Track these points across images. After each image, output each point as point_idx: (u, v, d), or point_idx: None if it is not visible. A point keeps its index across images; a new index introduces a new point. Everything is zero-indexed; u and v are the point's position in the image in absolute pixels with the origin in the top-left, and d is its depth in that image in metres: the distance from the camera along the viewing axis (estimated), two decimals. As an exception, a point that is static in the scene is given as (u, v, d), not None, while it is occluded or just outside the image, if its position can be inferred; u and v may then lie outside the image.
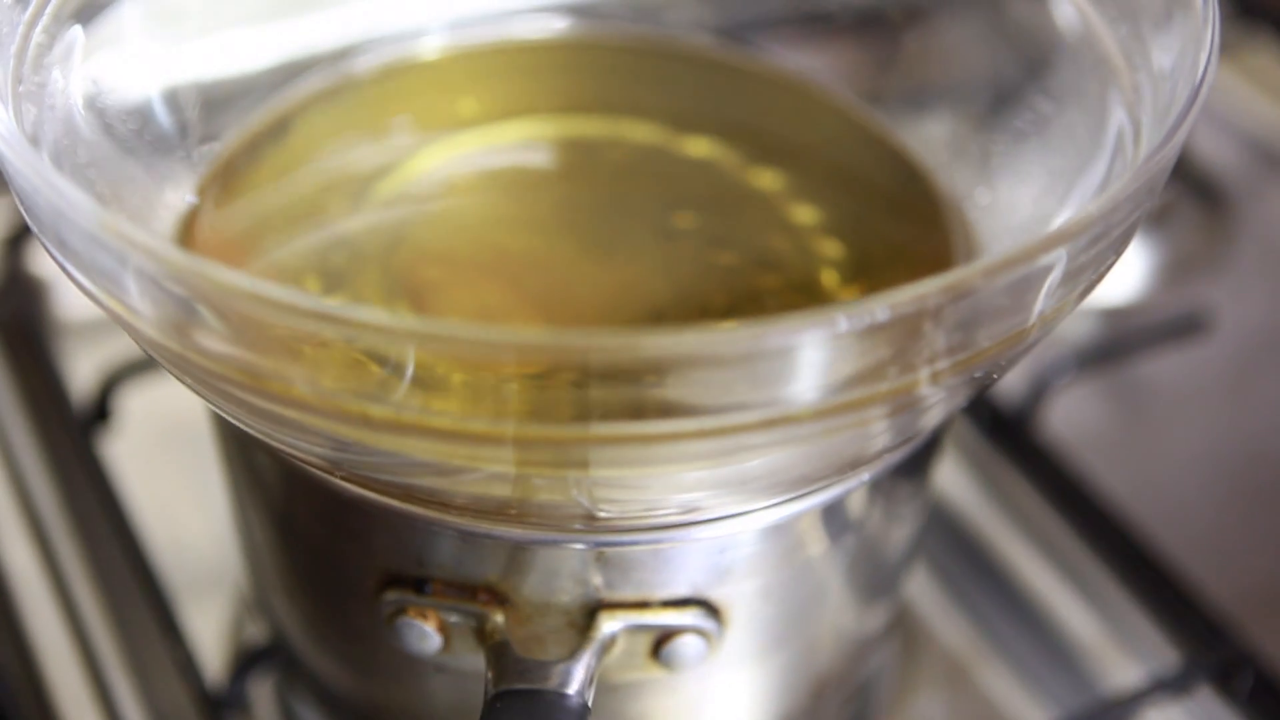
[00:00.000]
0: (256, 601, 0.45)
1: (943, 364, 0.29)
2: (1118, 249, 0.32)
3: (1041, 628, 0.51)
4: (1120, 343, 0.58)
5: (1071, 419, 0.57)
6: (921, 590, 0.51)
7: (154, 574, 0.47)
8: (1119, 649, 0.50)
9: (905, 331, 0.28)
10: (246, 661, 0.45)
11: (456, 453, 0.29)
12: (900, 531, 0.41)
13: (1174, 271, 0.64)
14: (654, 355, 0.27)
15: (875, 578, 0.42)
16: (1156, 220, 0.65)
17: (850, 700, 0.46)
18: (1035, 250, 0.29)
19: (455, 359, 0.27)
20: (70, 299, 0.58)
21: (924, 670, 0.49)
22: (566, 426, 0.28)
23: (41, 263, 0.58)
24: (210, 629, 0.48)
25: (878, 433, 0.32)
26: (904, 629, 0.50)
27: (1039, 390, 0.54)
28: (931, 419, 0.33)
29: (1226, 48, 0.69)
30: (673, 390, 0.27)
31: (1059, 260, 0.29)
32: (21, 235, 0.59)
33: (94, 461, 0.51)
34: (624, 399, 0.28)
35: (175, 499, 0.52)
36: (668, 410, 0.28)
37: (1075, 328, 0.61)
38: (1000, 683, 0.49)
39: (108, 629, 0.48)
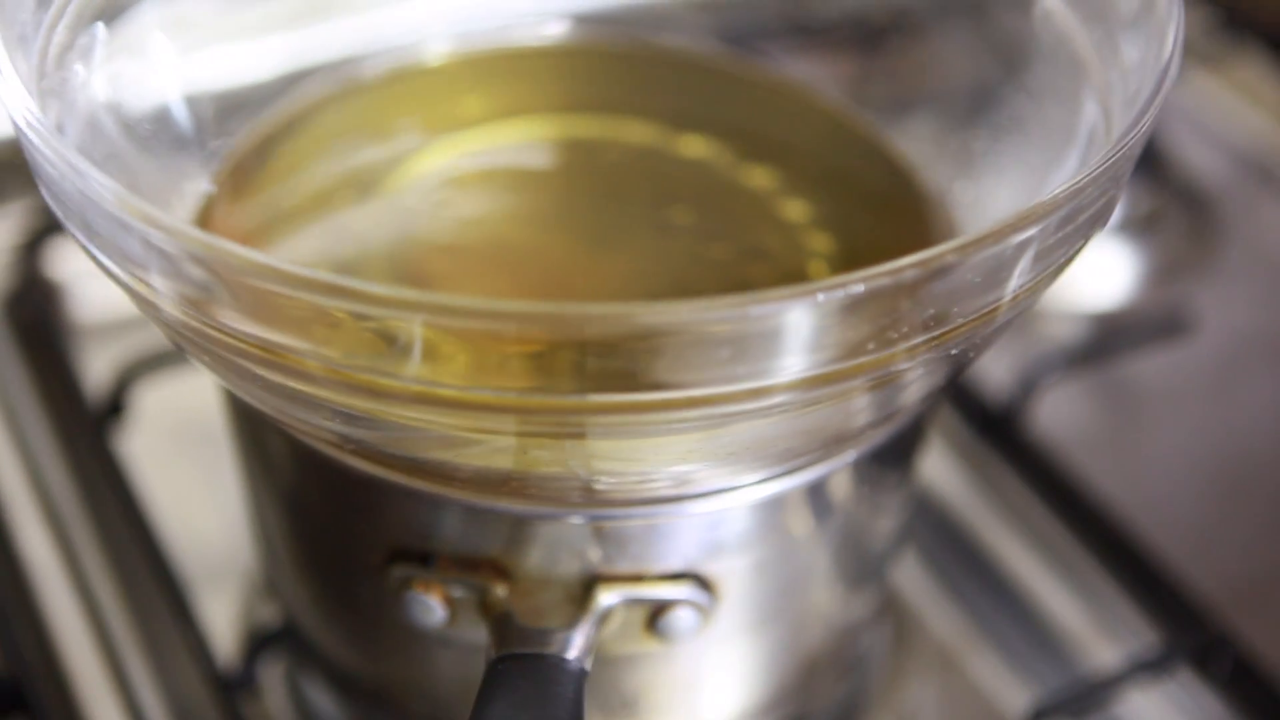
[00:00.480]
0: (268, 582, 0.47)
1: (918, 339, 0.31)
2: (1087, 232, 0.33)
3: (1029, 615, 0.52)
4: (1106, 343, 0.60)
5: (1060, 418, 0.58)
6: (913, 580, 0.53)
7: (168, 562, 0.49)
8: (1103, 635, 0.51)
9: (881, 306, 0.30)
10: (257, 644, 0.47)
11: (461, 424, 0.31)
12: (886, 518, 0.43)
13: (1161, 277, 0.66)
14: (646, 325, 0.28)
15: (863, 561, 0.43)
16: (1144, 227, 0.66)
17: (842, 680, 0.48)
18: (1006, 229, 0.30)
19: (459, 331, 0.29)
20: (85, 300, 0.60)
21: (915, 657, 0.51)
22: (564, 397, 0.30)
23: (57, 266, 0.60)
24: (222, 615, 0.50)
25: (859, 408, 0.33)
26: (895, 617, 0.52)
27: (1027, 388, 0.56)
28: (910, 396, 0.35)
29: (1213, 60, 0.71)
30: (663, 361, 0.29)
31: (1029, 239, 0.31)
32: (37, 240, 0.60)
33: (108, 454, 0.52)
34: (618, 369, 0.29)
35: (188, 491, 0.54)
36: (659, 381, 0.30)
37: (1064, 329, 0.63)
38: (989, 668, 0.51)
39: (123, 615, 0.49)
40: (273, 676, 0.48)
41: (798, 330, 0.29)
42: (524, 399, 0.30)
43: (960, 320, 0.31)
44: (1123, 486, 0.55)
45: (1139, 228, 0.66)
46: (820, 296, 0.29)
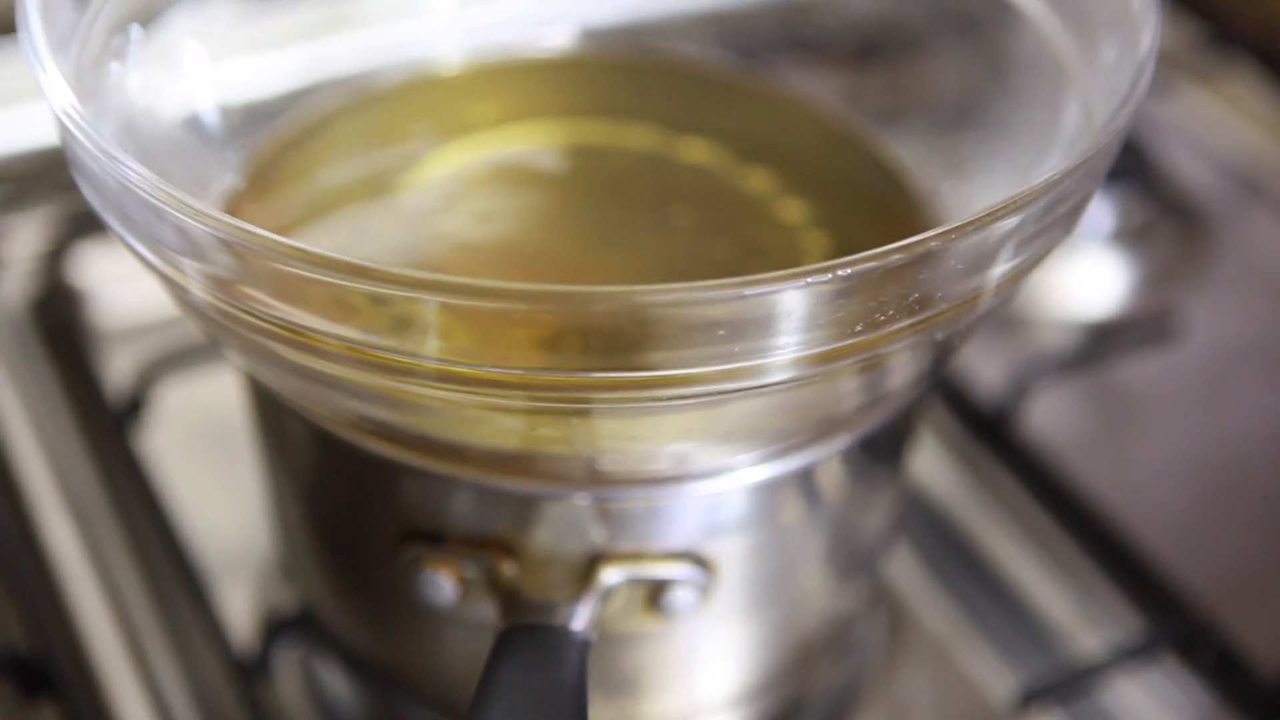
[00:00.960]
0: (285, 568, 0.49)
1: (904, 323, 0.33)
2: (1066, 224, 0.35)
3: (1020, 608, 0.54)
4: (1097, 348, 0.61)
5: (1054, 423, 0.60)
6: (907, 574, 0.55)
7: (186, 553, 0.51)
8: (1091, 626, 0.53)
9: (868, 290, 0.31)
10: (273, 630, 0.49)
11: (473, 400, 0.33)
12: (877, 507, 0.45)
13: (1152, 287, 0.67)
14: (647, 303, 0.30)
15: (855, 548, 0.45)
16: (1136, 238, 0.68)
17: (837, 664, 0.50)
18: (987, 218, 0.32)
19: (475, 312, 0.31)
20: (106, 306, 0.62)
21: (909, 648, 0.53)
22: (570, 373, 0.32)
23: (80, 273, 0.62)
24: (239, 603, 0.52)
25: (849, 389, 0.35)
26: (890, 609, 0.53)
27: (1019, 390, 0.58)
28: (898, 381, 0.37)
29: (1204, 75, 0.73)
30: (663, 340, 0.31)
31: (1010, 228, 0.33)
32: (61, 248, 0.62)
33: (129, 450, 0.54)
34: (621, 348, 0.31)
35: (205, 486, 0.56)
36: (659, 360, 0.31)
37: (1058, 338, 0.64)
38: (981, 660, 0.52)
39: (145, 602, 0.51)
40: (288, 661, 0.50)
41: (789, 312, 0.31)
42: (532, 375, 0.32)
43: (944, 306, 0.33)
44: (1114, 488, 0.57)
45: (1131, 238, 0.68)
46: (810, 279, 0.31)
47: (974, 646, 0.53)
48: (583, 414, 0.33)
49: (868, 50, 0.51)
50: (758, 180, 0.46)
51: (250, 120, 0.46)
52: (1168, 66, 0.73)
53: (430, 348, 0.32)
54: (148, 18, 0.42)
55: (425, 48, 0.50)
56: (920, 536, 0.56)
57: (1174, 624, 0.51)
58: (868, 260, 0.31)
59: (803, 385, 0.33)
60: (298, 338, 0.32)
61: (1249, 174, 0.71)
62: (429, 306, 0.31)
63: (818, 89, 0.50)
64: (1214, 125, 0.72)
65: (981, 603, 0.54)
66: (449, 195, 0.46)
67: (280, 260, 0.31)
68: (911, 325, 0.33)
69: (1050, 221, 0.34)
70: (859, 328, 0.32)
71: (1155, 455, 0.62)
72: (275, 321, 0.32)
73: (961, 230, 0.32)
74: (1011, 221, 0.33)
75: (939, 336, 0.35)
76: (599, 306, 0.30)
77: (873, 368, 0.35)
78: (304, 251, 0.30)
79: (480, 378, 0.32)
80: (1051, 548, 0.55)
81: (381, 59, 0.50)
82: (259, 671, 0.49)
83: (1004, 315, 0.64)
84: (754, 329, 0.31)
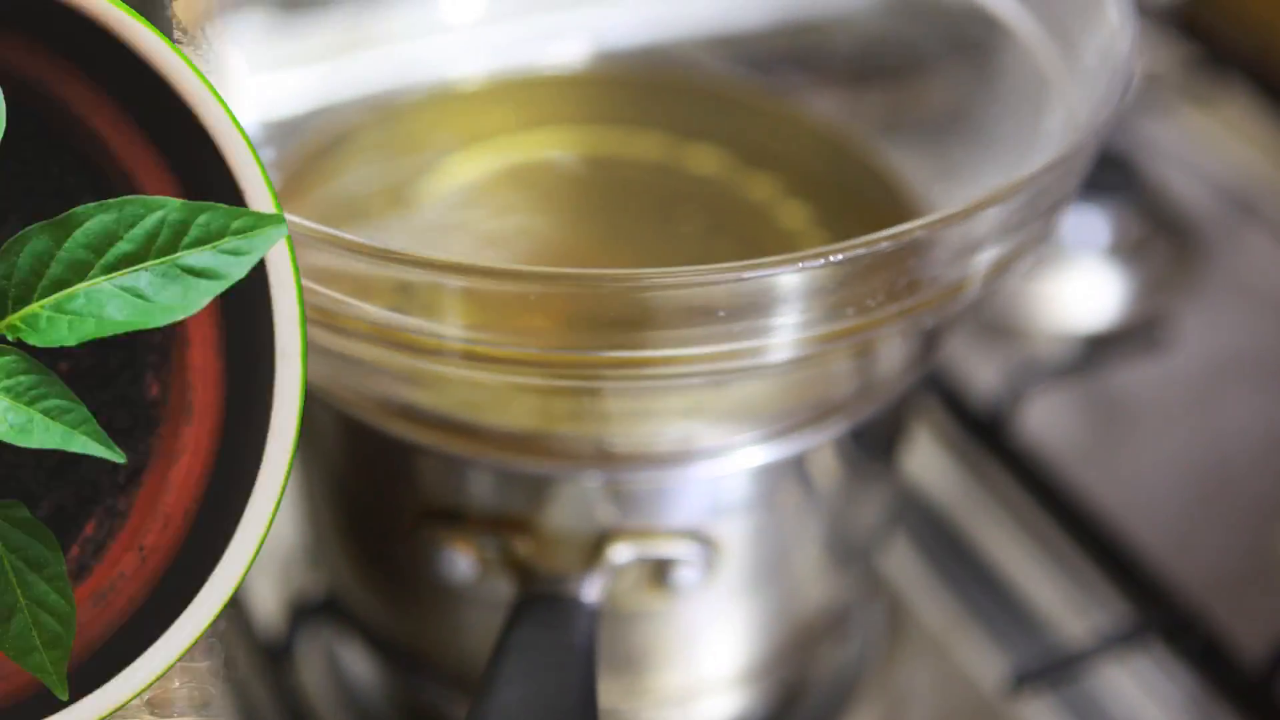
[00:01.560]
0: (311, 554, 0.51)
1: (894, 308, 0.35)
2: (1047, 220, 0.37)
3: (1016, 602, 0.56)
4: (1089, 355, 0.64)
5: (1051, 428, 0.62)
6: (905, 569, 0.57)
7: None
8: (1085, 619, 0.55)
9: (859, 275, 0.34)
10: (298, 616, 0.51)
11: (493, 378, 0.35)
12: (872, 495, 0.47)
13: (1146, 300, 0.69)
14: (654, 284, 0.32)
15: (850, 537, 0.47)
16: (1132, 253, 0.70)
17: (836, 649, 0.52)
18: (970, 210, 0.34)
19: (496, 294, 0.33)
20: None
21: (908, 640, 0.54)
22: (583, 353, 0.34)
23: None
24: (265, 593, 0.54)
25: (844, 372, 0.38)
26: (889, 602, 0.55)
27: (1014, 394, 0.60)
28: (890, 368, 0.39)
29: (1197, 96, 0.75)
30: (669, 321, 0.33)
31: (992, 219, 0.35)
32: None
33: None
34: (629, 326, 0.33)
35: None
36: (665, 341, 0.34)
37: (1055, 349, 0.66)
38: (976, 650, 0.54)
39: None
40: (312, 646, 0.52)
41: (784, 295, 0.34)
42: (548, 354, 0.34)
43: (931, 293, 0.36)
44: (1107, 488, 0.59)
45: (1125, 253, 0.70)
46: (803, 264, 0.33)
47: (970, 636, 0.54)
48: (594, 392, 0.36)
49: (866, 65, 0.53)
50: (761, 186, 0.49)
51: (282, 130, 0.48)
52: (1162, 87, 0.75)
53: (454, 329, 0.34)
54: (185, 25, 0.45)
55: (447, 64, 0.53)
56: (917, 532, 0.58)
57: (1162, 614, 0.53)
58: (858, 247, 0.33)
59: (797, 366, 0.36)
60: (329, 321, 0.35)
61: (1239, 191, 0.73)
62: (453, 289, 0.33)
63: (819, 101, 0.52)
64: (1206, 144, 0.74)
65: (977, 595, 0.56)
66: (468, 199, 0.48)
67: (317, 246, 0.33)
68: (900, 311, 0.35)
69: (1032, 215, 0.37)
70: (851, 312, 0.35)
71: (1147, 458, 0.64)
72: (311, 306, 0.35)
73: (946, 221, 0.34)
74: (994, 213, 0.35)
75: (927, 323, 0.37)
76: (609, 288, 0.33)
77: (864, 352, 0.37)
78: (339, 238, 0.33)
79: (500, 356, 0.34)
80: (1045, 543, 0.57)
81: (406, 75, 0.52)
82: (285, 656, 0.51)
83: (1001, 325, 0.66)
84: (751, 311, 0.34)
